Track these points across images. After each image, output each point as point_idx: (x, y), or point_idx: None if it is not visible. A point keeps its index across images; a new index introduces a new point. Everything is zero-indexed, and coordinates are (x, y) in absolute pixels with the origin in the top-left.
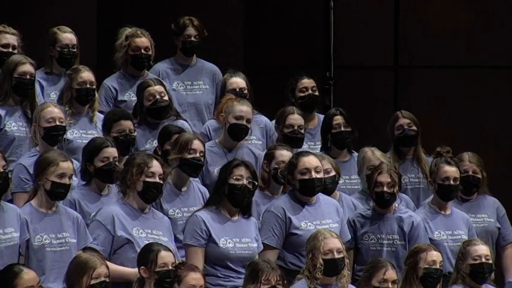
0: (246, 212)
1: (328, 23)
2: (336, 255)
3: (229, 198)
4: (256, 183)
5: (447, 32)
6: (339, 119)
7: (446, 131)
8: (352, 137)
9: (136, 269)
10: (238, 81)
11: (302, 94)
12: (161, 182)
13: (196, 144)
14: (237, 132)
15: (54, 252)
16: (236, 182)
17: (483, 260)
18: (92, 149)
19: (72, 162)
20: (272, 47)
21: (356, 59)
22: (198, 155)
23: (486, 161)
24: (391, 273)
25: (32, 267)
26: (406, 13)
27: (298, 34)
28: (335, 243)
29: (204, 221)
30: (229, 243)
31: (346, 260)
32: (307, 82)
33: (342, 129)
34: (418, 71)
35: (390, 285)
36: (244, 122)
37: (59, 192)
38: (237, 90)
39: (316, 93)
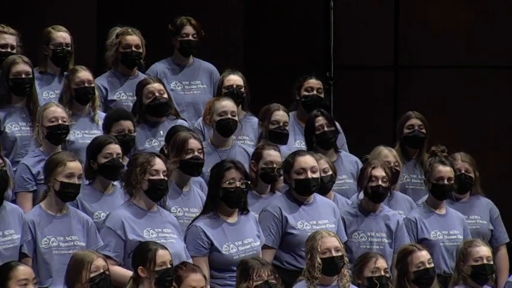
0: (244, 209)
1: (328, 23)
2: (334, 254)
3: (224, 202)
4: (248, 182)
5: (447, 32)
6: (320, 120)
7: (446, 131)
8: (337, 136)
9: None
10: (235, 78)
11: (306, 93)
12: (166, 178)
13: (193, 143)
14: (224, 127)
15: (62, 255)
16: (229, 186)
17: (484, 261)
18: (95, 146)
19: (80, 162)
20: (272, 47)
21: (356, 59)
22: (196, 153)
23: (486, 161)
24: (382, 262)
25: (39, 270)
26: (406, 13)
27: (298, 34)
28: (332, 241)
29: (203, 230)
30: (232, 248)
31: (346, 259)
32: (313, 82)
33: (326, 129)
34: (418, 71)
35: (383, 272)
36: (228, 116)
37: (68, 192)
38: (234, 87)
39: (322, 95)
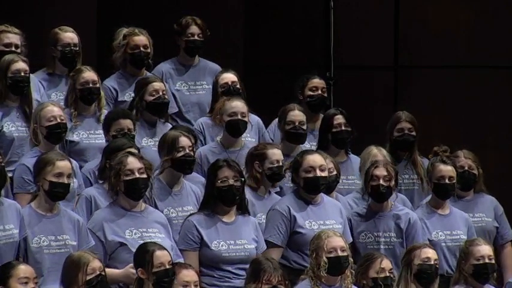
0: (241, 209)
1: (328, 23)
2: (340, 253)
3: (219, 200)
4: (243, 179)
5: (447, 32)
6: (340, 119)
7: (446, 131)
8: (351, 138)
9: (121, 270)
10: (229, 76)
11: (311, 93)
12: (143, 176)
13: (183, 141)
14: (234, 128)
15: (53, 255)
16: (222, 185)
17: (486, 260)
18: (114, 148)
19: (70, 162)
20: (272, 47)
21: (356, 59)
22: (187, 151)
23: (486, 161)
24: (387, 263)
25: None
26: (406, 13)
27: (298, 34)
28: (338, 241)
29: (195, 225)
30: (222, 245)
31: (350, 259)
32: (318, 82)
33: (343, 128)
34: (418, 71)
35: (388, 273)
36: (238, 117)
37: (57, 192)
38: (229, 83)
39: (325, 94)
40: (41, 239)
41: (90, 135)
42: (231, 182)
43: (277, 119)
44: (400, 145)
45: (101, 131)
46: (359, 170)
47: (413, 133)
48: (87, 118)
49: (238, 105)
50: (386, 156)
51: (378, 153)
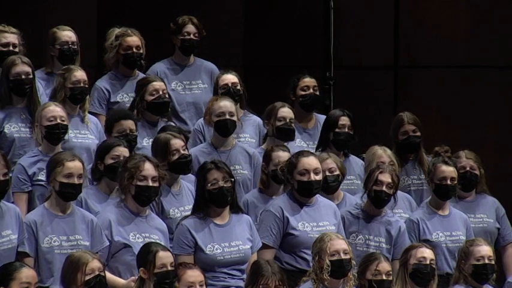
0: (233, 207)
1: (328, 23)
2: (343, 256)
3: (211, 203)
4: (233, 179)
5: (447, 32)
6: (345, 120)
7: (446, 131)
8: (352, 141)
9: (124, 282)
10: (230, 77)
11: (303, 92)
12: (155, 184)
13: (175, 143)
14: (222, 128)
15: (65, 255)
16: (213, 187)
17: (486, 260)
18: (104, 147)
19: (81, 162)
20: (272, 47)
21: (356, 59)
22: (181, 152)
23: (486, 162)
24: (384, 265)
25: (41, 269)
26: (406, 13)
27: (298, 34)
28: (341, 244)
29: (189, 229)
30: (216, 249)
31: (353, 262)
32: (309, 81)
33: (347, 130)
34: (418, 71)
35: (384, 276)
36: (226, 117)
37: (67, 192)
38: (229, 85)
39: (317, 93)
40: (52, 239)
41: (78, 135)
42: (221, 183)
43: None
44: (406, 148)
45: (87, 132)
46: (364, 172)
47: (418, 133)
48: (74, 118)
49: (226, 104)
50: (392, 157)
51: (383, 153)
